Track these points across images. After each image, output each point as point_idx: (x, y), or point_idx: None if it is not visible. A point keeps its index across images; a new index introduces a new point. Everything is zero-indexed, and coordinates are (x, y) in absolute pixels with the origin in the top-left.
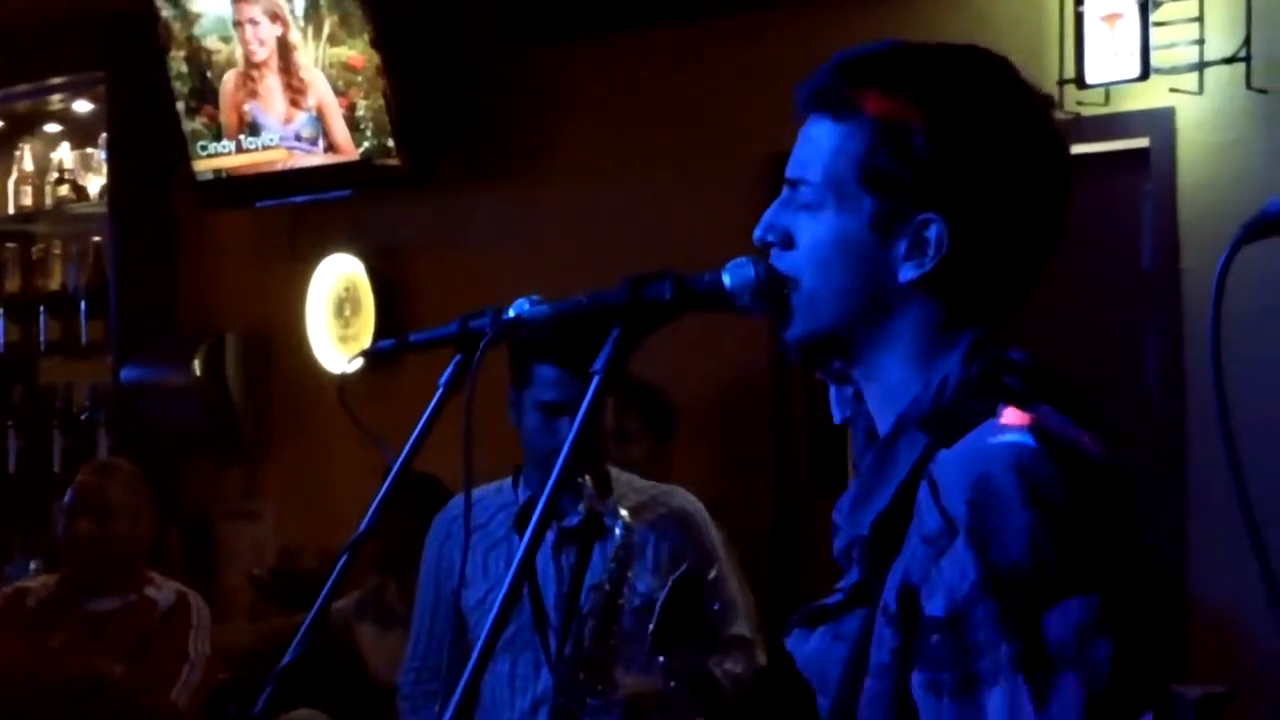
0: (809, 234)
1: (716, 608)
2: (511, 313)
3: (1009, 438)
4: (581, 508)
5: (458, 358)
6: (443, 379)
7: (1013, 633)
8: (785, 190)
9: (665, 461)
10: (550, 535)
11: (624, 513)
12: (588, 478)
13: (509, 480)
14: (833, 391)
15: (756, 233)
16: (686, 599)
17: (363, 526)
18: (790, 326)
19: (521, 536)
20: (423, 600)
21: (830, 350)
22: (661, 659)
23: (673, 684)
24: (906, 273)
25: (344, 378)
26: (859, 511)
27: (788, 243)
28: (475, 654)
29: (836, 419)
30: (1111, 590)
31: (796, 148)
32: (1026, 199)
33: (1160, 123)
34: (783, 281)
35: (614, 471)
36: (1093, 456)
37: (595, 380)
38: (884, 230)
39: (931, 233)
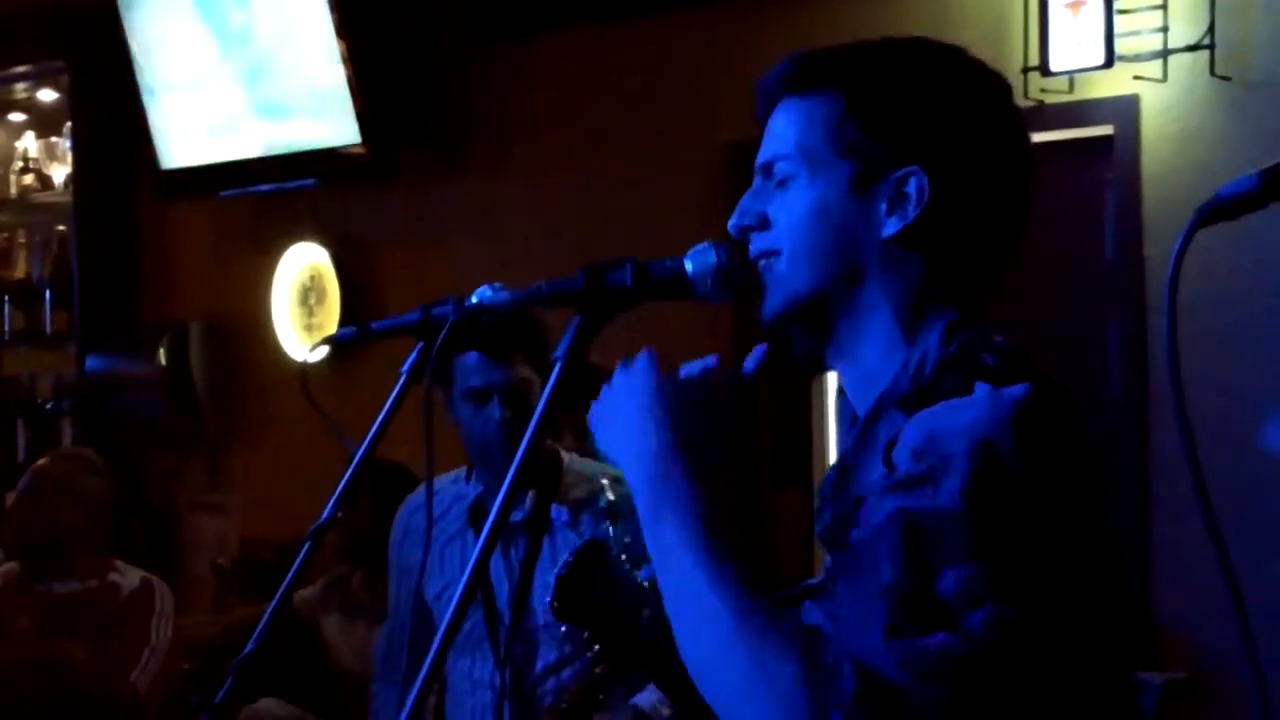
0: (786, 209)
1: (644, 576)
2: (474, 300)
3: (978, 405)
4: (528, 502)
5: (420, 345)
6: (405, 367)
7: (901, 568)
8: (757, 179)
9: None
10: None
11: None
12: (531, 491)
13: (464, 470)
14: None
15: (732, 220)
16: (590, 567)
17: (325, 515)
18: (768, 300)
19: (475, 530)
20: (391, 590)
21: (807, 322)
22: (564, 628)
23: (599, 667)
24: (890, 227)
25: (307, 366)
26: (841, 490)
27: (764, 224)
28: (430, 656)
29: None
30: (1034, 564)
31: (764, 138)
32: (997, 159)
33: (1124, 110)
34: (758, 258)
35: (565, 458)
36: (1065, 431)
37: (556, 367)
38: (862, 190)
39: (911, 185)
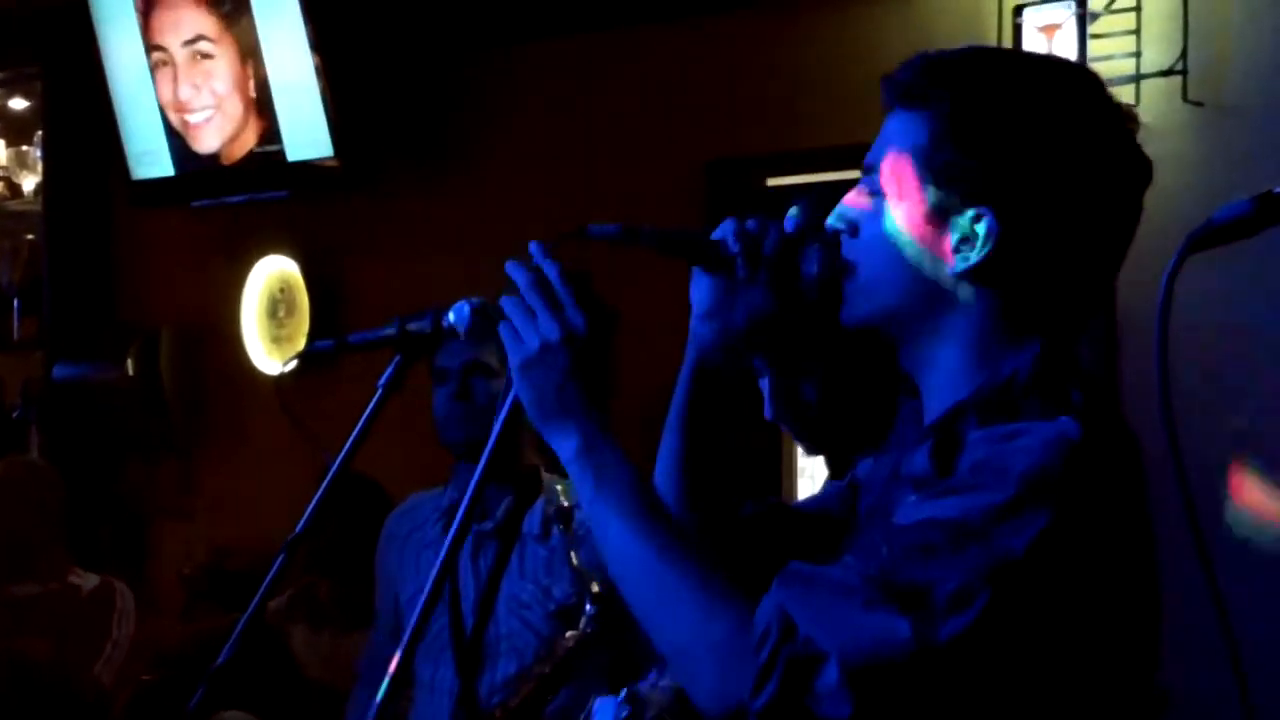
0: (871, 222)
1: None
2: (450, 315)
3: (1051, 437)
4: (499, 511)
5: (396, 359)
6: (381, 380)
7: (903, 559)
8: (862, 178)
9: None
10: (469, 539)
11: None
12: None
13: (450, 483)
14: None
15: (829, 220)
16: None
17: (299, 527)
18: (844, 310)
19: (446, 534)
20: (376, 598)
21: (878, 341)
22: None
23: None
24: (958, 264)
25: (282, 377)
26: (892, 484)
27: (854, 230)
28: (396, 657)
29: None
30: (1036, 608)
31: (878, 138)
32: (1085, 205)
33: None
34: (845, 263)
35: (545, 475)
36: (1120, 486)
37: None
38: (939, 221)
39: (982, 226)
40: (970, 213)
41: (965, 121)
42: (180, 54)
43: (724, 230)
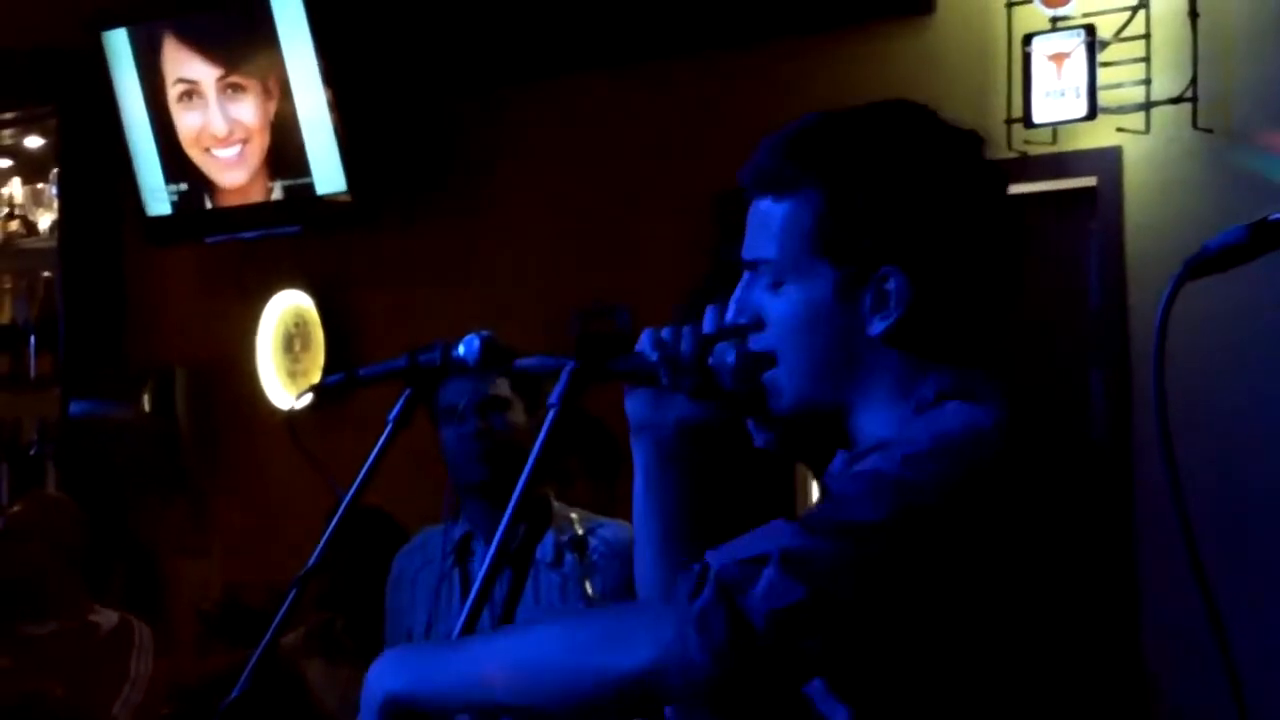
0: (778, 313)
1: None
2: (460, 348)
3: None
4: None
5: (407, 392)
6: (392, 414)
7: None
8: (745, 273)
9: (609, 502)
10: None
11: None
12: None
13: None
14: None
15: (728, 315)
16: None
17: (310, 562)
18: (773, 404)
19: (461, 568)
20: (387, 636)
21: (815, 418)
22: None
23: None
24: (875, 326)
25: (293, 412)
26: None
27: (758, 323)
28: None
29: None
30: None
31: (748, 230)
32: (975, 237)
33: (1107, 162)
34: (756, 359)
35: (555, 504)
36: (992, 474)
37: (550, 415)
38: (847, 293)
39: (891, 285)
40: (875, 275)
41: (848, 195)
42: (210, 86)
43: (643, 342)
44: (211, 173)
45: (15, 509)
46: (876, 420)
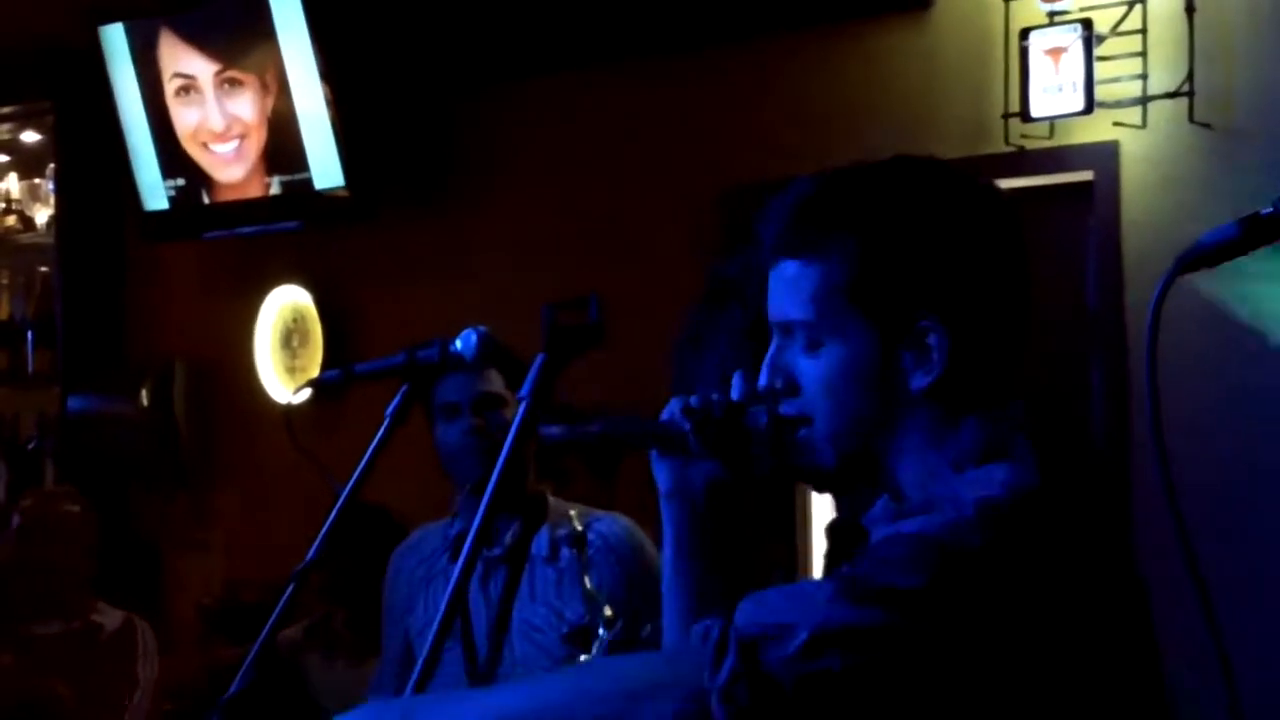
0: (815, 377)
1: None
2: (458, 343)
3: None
4: (508, 536)
5: (404, 388)
6: (389, 409)
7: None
8: (776, 336)
9: (608, 501)
10: (478, 566)
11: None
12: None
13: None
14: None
15: (761, 380)
16: None
17: (309, 556)
18: (811, 457)
19: (454, 563)
20: (384, 634)
21: (858, 469)
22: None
23: None
24: (918, 381)
25: (291, 408)
26: None
27: (793, 389)
28: (410, 685)
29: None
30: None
31: (771, 292)
32: (1003, 284)
33: (1104, 156)
34: (789, 423)
35: (551, 500)
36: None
37: (522, 407)
38: (889, 348)
39: (932, 339)
40: (916, 330)
41: (881, 250)
42: (208, 82)
43: (670, 410)
44: (209, 168)
45: (26, 504)
46: (911, 469)
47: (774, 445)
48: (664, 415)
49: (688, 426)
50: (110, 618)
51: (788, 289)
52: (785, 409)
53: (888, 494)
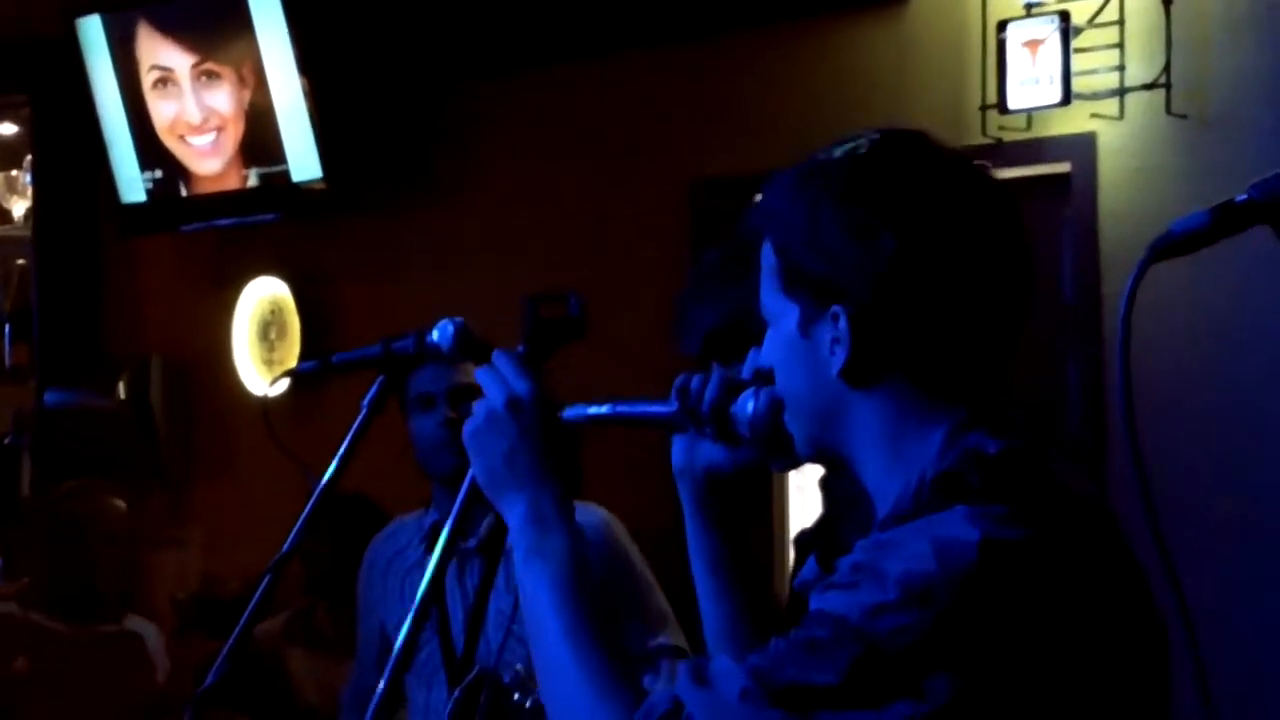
0: (770, 351)
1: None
2: (434, 335)
3: (931, 543)
4: (483, 528)
5: (381, 379)
6: (366, 400)
7: (785, 655)
8: None
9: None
10: (454, 559)
11: None
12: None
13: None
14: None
15: (744, 371)
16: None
17: (285, 547)
18: (795, 442)
19: (430, 555)
20: (360, 627)
21: (824, 453)
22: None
23: None
24: (834, 365)
25: (268, 399)
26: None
27: (770, 376)
28: (383, 683)
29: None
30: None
31: None
32: (936, 275)
33: (1081, 148)
34: (777, 402)
35: None
36: (1013, 596)
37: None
38: (807, 331)
39: (840, 324)
40: (828, 314)
41: (791, 231)
42: (185, 74)
43: (673, 390)
44: (186, 161)
45: (62, 496)
46: (876, 474)
47: (758, 430)
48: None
49: (676, 407)
50: (140, 625)
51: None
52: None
53: (861, 475)
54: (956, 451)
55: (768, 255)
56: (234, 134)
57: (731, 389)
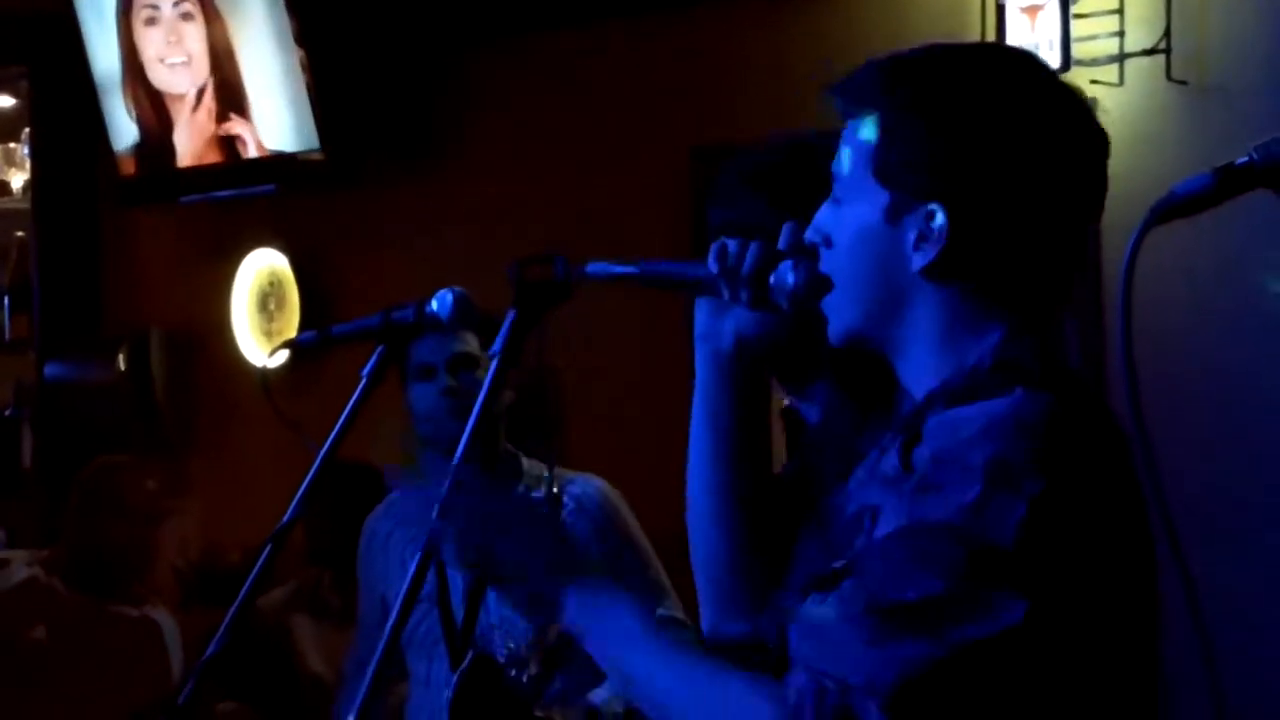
0: (839, 229)
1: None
2: (434, 304)
3: (1004, 415)
4: None
5: (380, 349)
6: (365, 370)
7: (895, 579)
8: (834, 188)
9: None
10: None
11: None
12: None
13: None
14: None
15: (807, 233)
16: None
17: (286, 517)
18: (828, 327)
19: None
20: (360, 602)
21: (863, 352)
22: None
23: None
24: (916, 261)
25: (268, 370)
26: (871, 476)
27: (828, 242)
28: (379, 649)
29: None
30: (1032, 587)
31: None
32: (1036, 191)
33: None
34: (824, 277)
35: (524, 461)
36: (1088, 447)
37: (493, 365)
38: (895, 220)
39: (936, 222)
40: (923, 210)
41: (907, 119)
42: (169, 10)
43: (711, 252)
44: (181, 124)
45: (94, 470)
46: (922, 366)
47: (796, 304)
48: (708, 257)
49: (715, 270)
50: (159, 613)
51: (843, 144)
52: (823, 262)
53: (902, 364)
54: (1014, 348)
55: (865, 130)
56: (233, 102)
57: (772, 257)
